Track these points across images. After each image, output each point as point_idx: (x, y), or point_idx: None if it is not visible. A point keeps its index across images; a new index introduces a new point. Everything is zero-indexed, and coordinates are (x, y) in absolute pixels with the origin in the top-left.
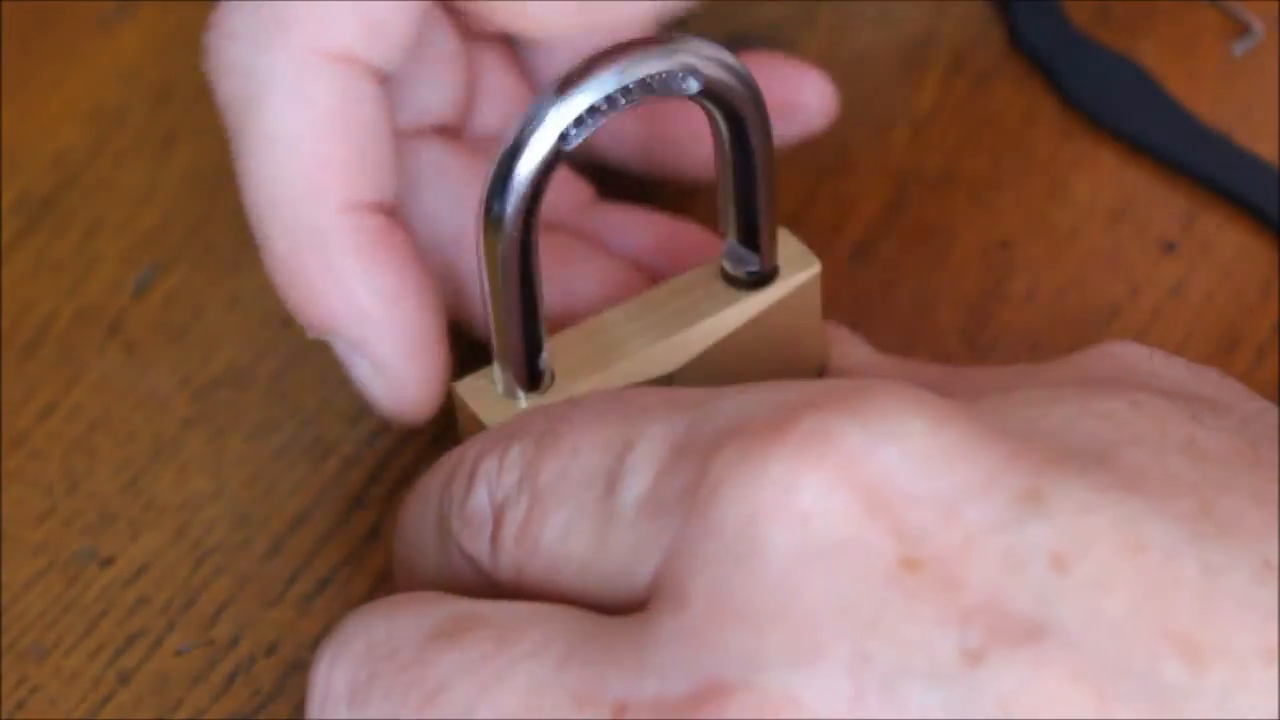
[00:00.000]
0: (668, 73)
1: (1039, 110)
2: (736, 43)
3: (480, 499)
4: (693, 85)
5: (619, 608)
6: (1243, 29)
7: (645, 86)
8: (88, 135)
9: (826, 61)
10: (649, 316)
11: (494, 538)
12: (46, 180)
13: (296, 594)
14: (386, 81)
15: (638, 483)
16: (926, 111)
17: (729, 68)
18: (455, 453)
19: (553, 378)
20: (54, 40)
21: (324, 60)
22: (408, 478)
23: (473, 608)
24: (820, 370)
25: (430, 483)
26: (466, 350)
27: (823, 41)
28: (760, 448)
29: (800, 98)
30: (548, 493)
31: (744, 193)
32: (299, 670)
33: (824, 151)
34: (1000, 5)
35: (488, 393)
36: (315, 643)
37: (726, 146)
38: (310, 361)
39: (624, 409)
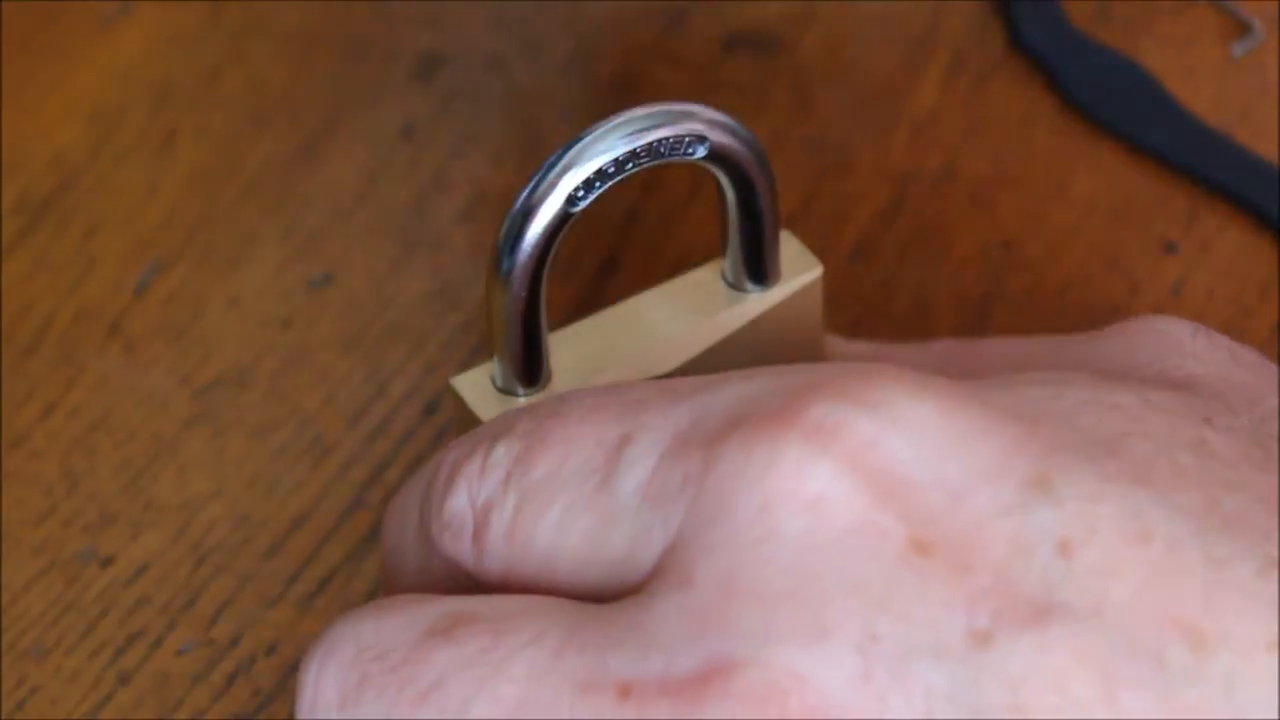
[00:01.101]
0: (675, 138)
1: (1039, 110)
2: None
3: (460, 501)
4: (700, 150)
5: (616, 599)
6: (1243, 29)
7: (653, 151)
8: (88, 135)
9: (826, 61)
10: (649, 315)
11: (477, 539)
12: (46, 180)
13: (296, 594)
14: None
15: (638, 472)
16: (926, 111)
17: (735, 133)
18: (436, 457)
19: (550, 375)
20: (54, 40)
21: None
22: (408, 478)
23: (464, 604)
24: None
25: (412, 488)
26: (473, 348)
27: (823, 41)
28: (768, 436)
29: None
30: (539, 490)
31: (751, 250)
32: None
33: (824, 151)
34: (1000, 5)
35: (485, 389)
36: None
37: (733, 209)
38: (310, 361)
39: (618, 403)
